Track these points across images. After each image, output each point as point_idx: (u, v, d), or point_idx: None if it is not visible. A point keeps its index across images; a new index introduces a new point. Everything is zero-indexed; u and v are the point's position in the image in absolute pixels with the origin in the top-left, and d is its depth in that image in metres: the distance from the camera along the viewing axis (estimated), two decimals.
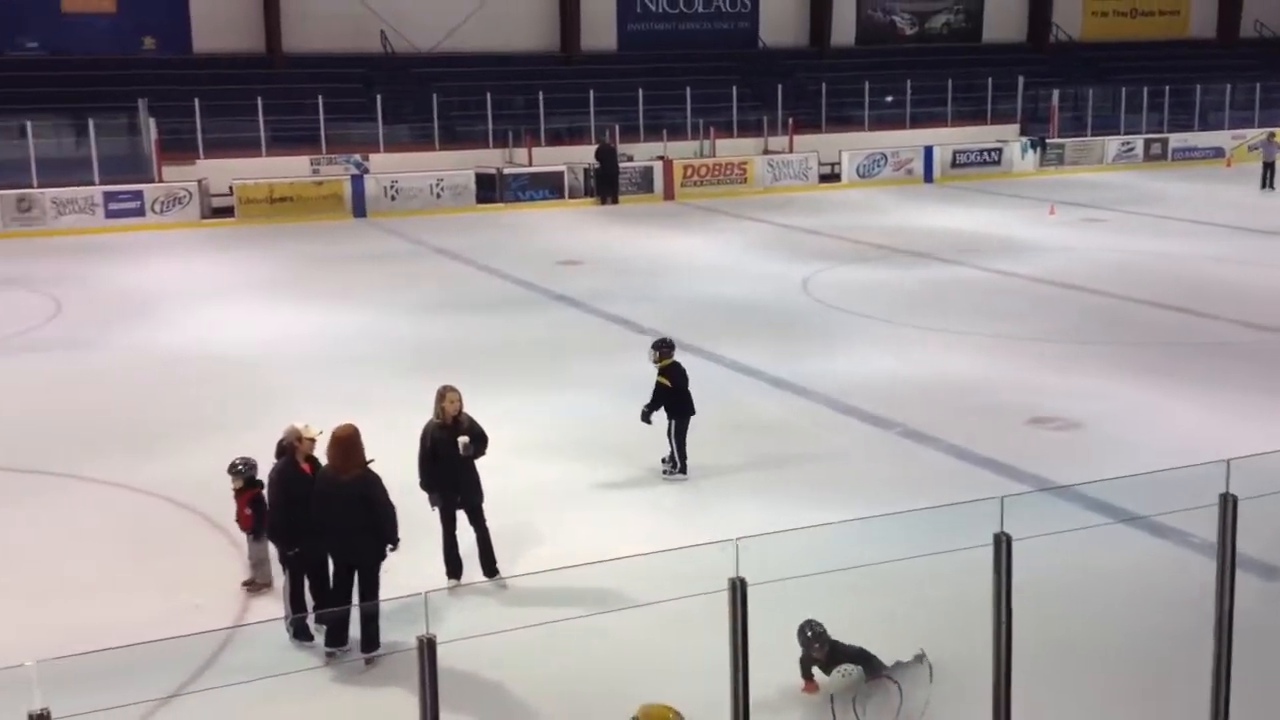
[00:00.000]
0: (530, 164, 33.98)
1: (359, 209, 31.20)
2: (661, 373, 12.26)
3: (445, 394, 9.96)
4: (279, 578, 9.67)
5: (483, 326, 19.29)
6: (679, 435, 12.26)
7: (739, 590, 5.06)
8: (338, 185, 31.54)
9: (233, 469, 9.89)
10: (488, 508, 10.10)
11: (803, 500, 11.62)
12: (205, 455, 11.92)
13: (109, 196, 29.27)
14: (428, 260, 25.46)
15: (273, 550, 9.58)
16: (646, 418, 12.27)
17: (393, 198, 31.68)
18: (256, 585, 9.87)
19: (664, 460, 12.41)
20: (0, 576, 10.28)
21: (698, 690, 8.18)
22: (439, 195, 32.09)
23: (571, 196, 33.23)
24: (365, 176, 32.05)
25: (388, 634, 8.85)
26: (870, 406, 14.66)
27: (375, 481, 8.87)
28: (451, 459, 9.86)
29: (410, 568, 9.48)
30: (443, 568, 9.95)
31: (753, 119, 37.74)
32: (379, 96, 33.77)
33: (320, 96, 32.74)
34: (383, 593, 8.89)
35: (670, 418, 12.27)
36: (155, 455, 13.09)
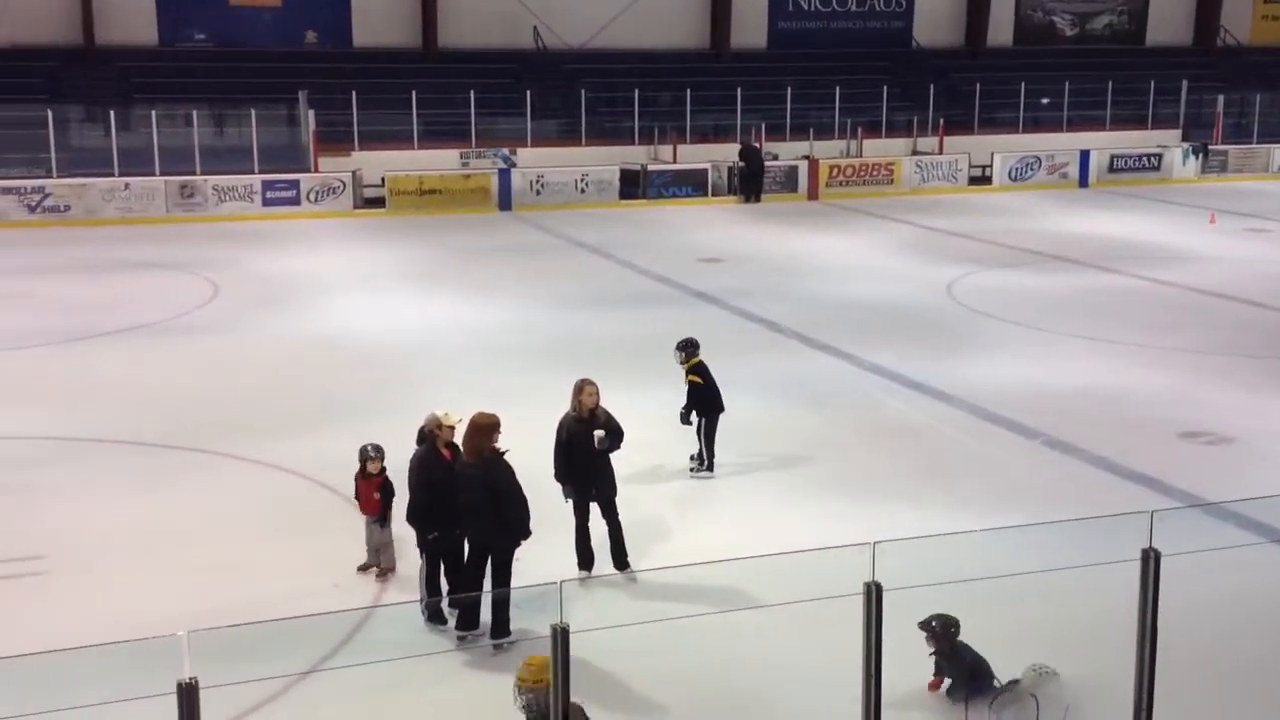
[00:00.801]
0: (675, 161, 34.03)
1: (505, 202, 31.64)
2: (691, 372, 12.27)
3: (583, 387, 10.03)
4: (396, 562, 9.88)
5: (622, 321, 19.37)
6: (709, 433, 12.29)
7: (874, 594, 4.96)
8: (485, 179, 32.04)
9: (365, 455, 10.02)
10: (620, 501, 10.14)
11: (941, 507, 11.40)
12: (349, 439, 12.15)
13: (267, 185, 30.22)
14: (570, 254, 25.70)
15: (396, 534, 9.78)
16: (686, 419, 12.27)
17: (538, 192, 32.06)
18: (382, 570, 10.02)
19: (692, 458, 12.38)
20: (154, 551, 10.68)
21: (824, 692, 8.09)
22: (583, 190, 32.35)
23: (715, 194, 33.17)
24: (512, 170, 32.50)
25: (518, 622, 8.95)
26: (1014, 414, 14.30)
27: (503, 469, 8.95)
28: (586, 452, 9.92)
29: (542, 558, 9.55)
30: (574, 558, 10.02)
31: (902, 119, 37.18)
32: (529, 92, 34.19)
33: (472, 91, 33.31)
34: (514, 581, 8.99)
35: (700, 415, 12.28)
36: (302, 437, 13.45)
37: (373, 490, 10.00)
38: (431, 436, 9.24)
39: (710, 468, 12.31)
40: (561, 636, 4.85)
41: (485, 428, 8.92)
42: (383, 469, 10.04)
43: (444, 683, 8.61)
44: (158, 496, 11.90)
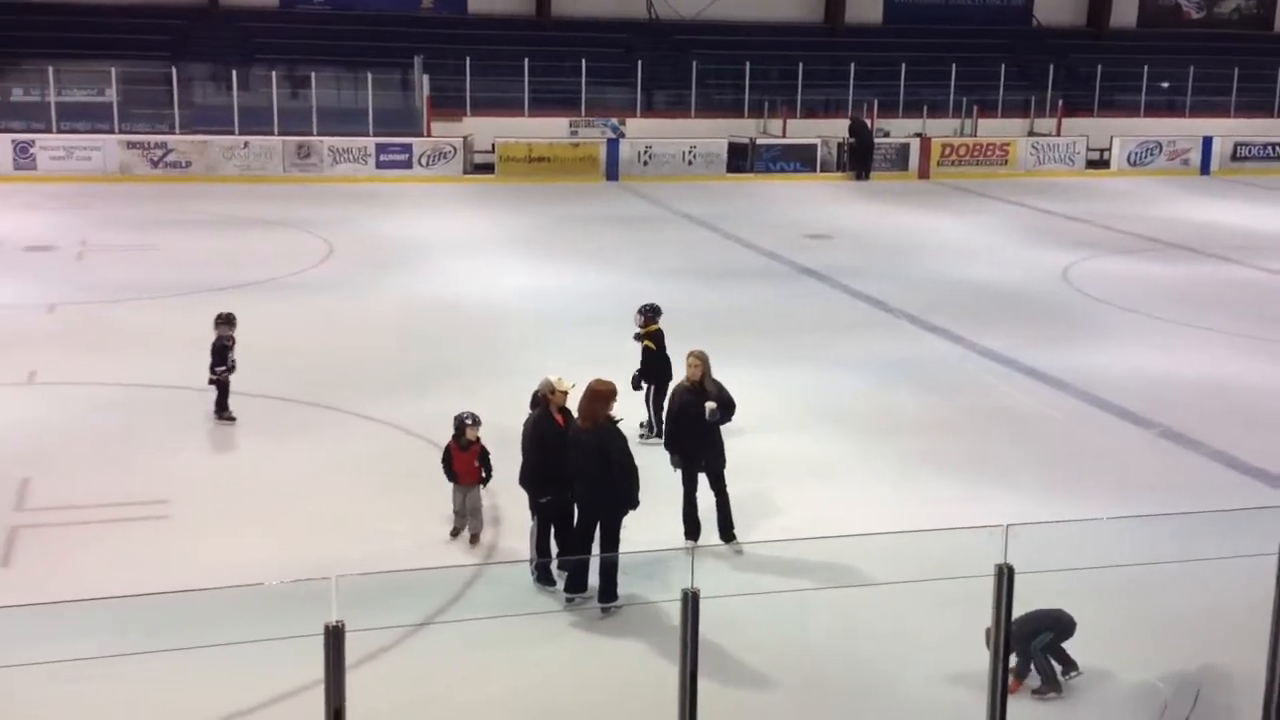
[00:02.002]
0: (784, 135, 33.81)
1: (612, 172, 31.72)
2: (648, 337, 12.34)
3: (689, 358, 10.06)
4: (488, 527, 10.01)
5: (727, 294, 19.33)
6: (659, 400, 12.15)
7: (1006, 577, 4.90)
8: (593, 148, 32.14)
9: (463, 423, 10.01)
10: (728, 474, 10.15)
11: (1050, 494, 11.21)
12: (457, 399, 12.35)
13: (380, 148, 30.66)
14: (676, 226, 25.68)
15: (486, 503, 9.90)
16: (637, 385, 12.23)
17: (645, 163, 32.08)
18: (474, 535, 10.01)
19: (641, 425, 12.24)
20: (270, 500, 10.95)
21: (932, 672, 8.05)
22: (690, 162, 32.29)
23: (823, 170, 32.89)
24: (620, 140, 32.54)
25: (625, 587, 9.02)
26: (1129, 404, 14.00)
27: (616, 437, 9.02)
28: (696, 422, 9.93)
29: (649, 526, 9.63)
30: (681, 528, 10.05)
31: (1019, 99, 36.46)
32: (640, 62, 34.16)
33: (584, 60, 33.38)
34: (622, 548, 9.05)
35: (649, 383, 12.28)
36: (412, 396, 13.64)
37: (472, 459, 9.98)
38: (545, 401, 9.32)
39: (660, 434, 12.10)
40: (692, 601, 4.87)
41: (602, 394, 8.98)
42: (478, 436, 10.04)
43: (550, 643, 8.71)
44: (274, 448, 12.18)
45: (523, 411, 12.47)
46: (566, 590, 9.12)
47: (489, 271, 20.56)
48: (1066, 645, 7.67)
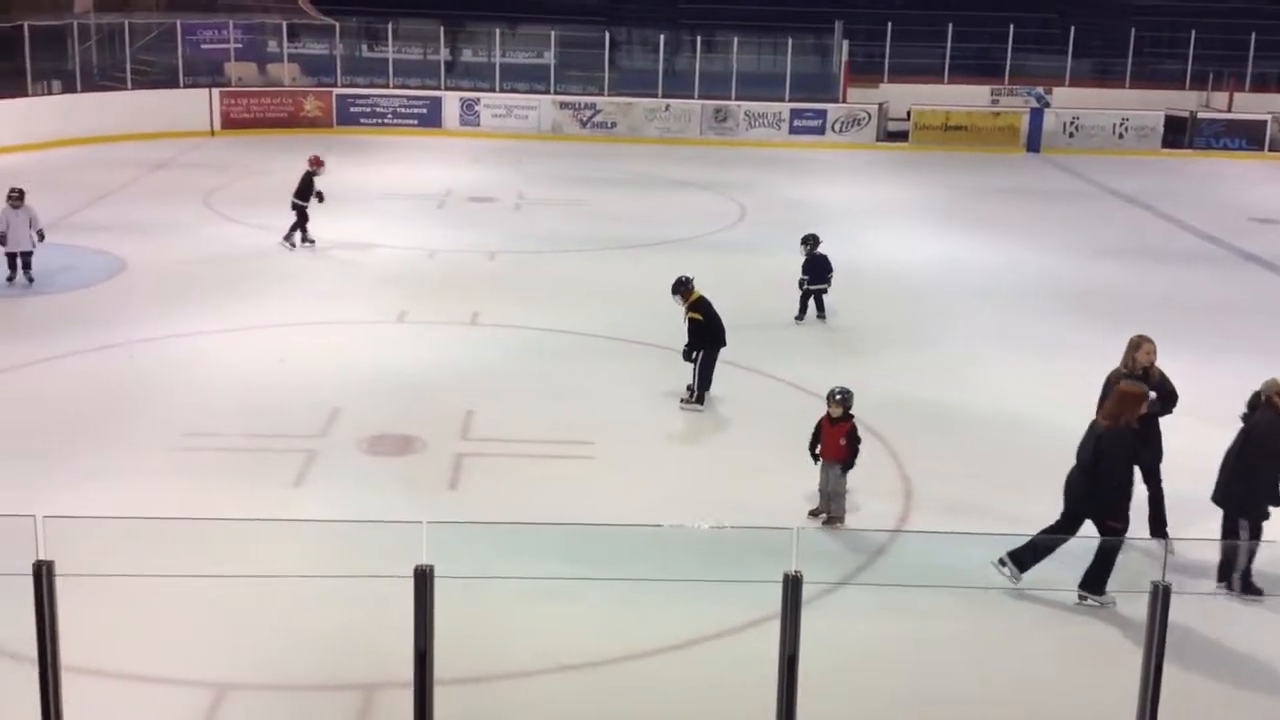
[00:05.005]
0: (1229, 110, 31.23)
1: (1033, 143, 30.46)
2: (691, 309, 12.20)
3: (1140, 343, 9.49)
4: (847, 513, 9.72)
5: (1159, 277, 18.17)
6: (705, 366, 12.23)
7: None
8: (1015, 117, 30.98)
9: (831, 397, 9.69)
10: (1165, 468, 9.51)
11: None
12: (861, 368, 12.29)
13: (795, 113, 30.87)
14: (1103, 202, 24.36)
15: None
16: (689, 356, 12.23)
17: (1071, 135, 30.58)
18: (831, 518, 9.62)
19: (689, 389, 12.28)
20: (677, 447, 11.39)
21: None
22: (1121, 135, 30.50)
23: (1272, 149, 30.14)
24: (1045, 110, 31.14)
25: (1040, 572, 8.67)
26: None
27: (1120, 442, 8.42)
28: None
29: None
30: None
31: None
32: (1072, 28, 32.50)
33: (1011, 25, 32.14)
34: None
35: (699, 348, 12.25)
36: (814, 360, 13.66)
37: (839, 436, 9.61)
38: (1271, 404, 8.85)
39: (700, 400, 12.24)
40: (1163, 596, 4.61)
41: (1131, 398, 8.55)
42: (847, 413, 9.61)
43: (951, 623, 8.51)
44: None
45: (931, 385, 12.27)
46: (1005, 555, 8.58)
47: (899, 240, 20.28)
48: None
